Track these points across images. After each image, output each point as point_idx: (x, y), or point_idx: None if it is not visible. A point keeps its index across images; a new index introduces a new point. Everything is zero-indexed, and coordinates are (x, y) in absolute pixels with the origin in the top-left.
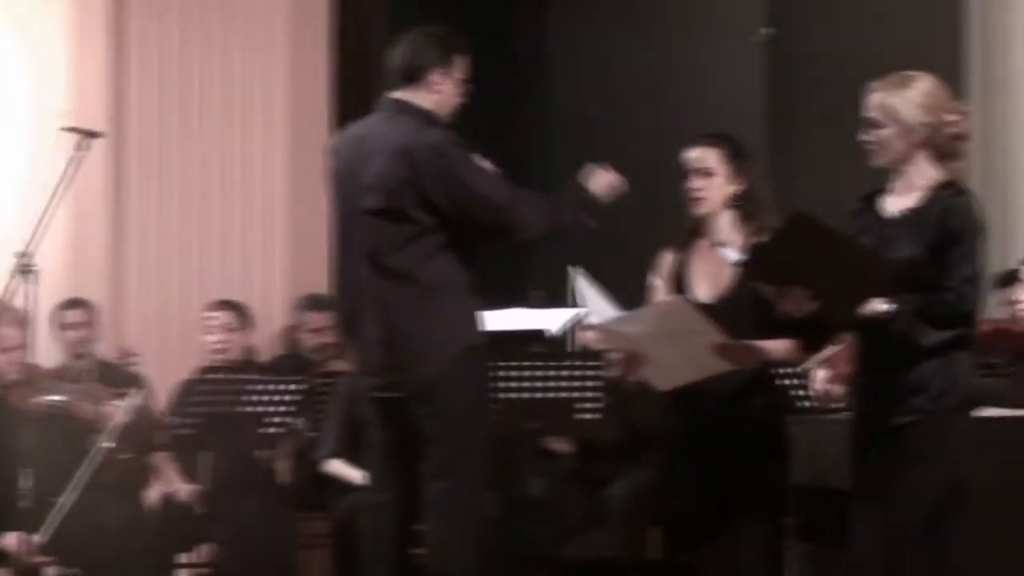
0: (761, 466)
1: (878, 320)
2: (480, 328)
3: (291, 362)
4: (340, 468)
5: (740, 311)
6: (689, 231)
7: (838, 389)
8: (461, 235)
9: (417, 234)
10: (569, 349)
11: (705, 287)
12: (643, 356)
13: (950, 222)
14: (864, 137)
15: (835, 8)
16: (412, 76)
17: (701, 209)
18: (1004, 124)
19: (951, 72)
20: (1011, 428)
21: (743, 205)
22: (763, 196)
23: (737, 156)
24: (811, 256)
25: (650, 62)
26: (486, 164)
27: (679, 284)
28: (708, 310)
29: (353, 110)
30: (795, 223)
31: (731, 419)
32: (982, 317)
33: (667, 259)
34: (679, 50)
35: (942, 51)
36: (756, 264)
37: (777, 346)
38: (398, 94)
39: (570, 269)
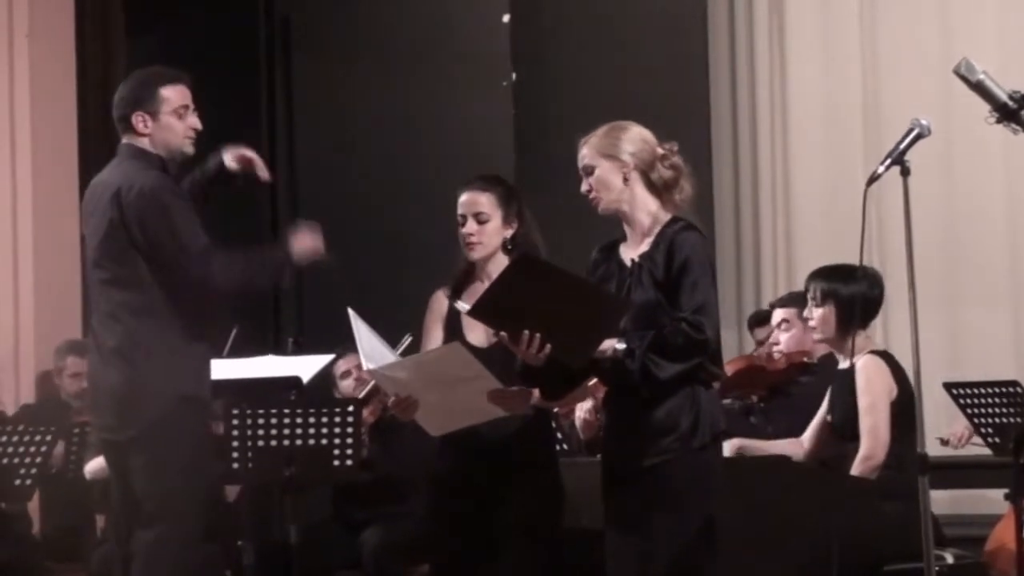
0: (535, 509)
1: (614, 359)
2: (198, 379)
3: (44, 410)
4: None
5: (512, 357)
6: (463, 275)
7: (599, 418)
8: (184, 284)
9: (135, 281)
10: (326, 396)
11: (478, 332)
12: (416, 401)
13: (676, 256)
14: (584, 188)
15: (580, 52)
16: (121, 123)
17: (476, 254)
18: (753, 168)
19: (699, 116)
20: (761, 467)
21: (517, 249)
22: (535, 239)
23: (510, 199)
24: (539, 299)
25: (397, 107)
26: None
27: (453, 329)
28: (480, 355)
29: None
30: (519, 266)
31: (505, 462)
32: (737, 356)
33: (441, 303)
34: (427, 95)
35: (689, 96)
36: (483, 311)
37: None
38: (124, 139)
39: (349, 311)
